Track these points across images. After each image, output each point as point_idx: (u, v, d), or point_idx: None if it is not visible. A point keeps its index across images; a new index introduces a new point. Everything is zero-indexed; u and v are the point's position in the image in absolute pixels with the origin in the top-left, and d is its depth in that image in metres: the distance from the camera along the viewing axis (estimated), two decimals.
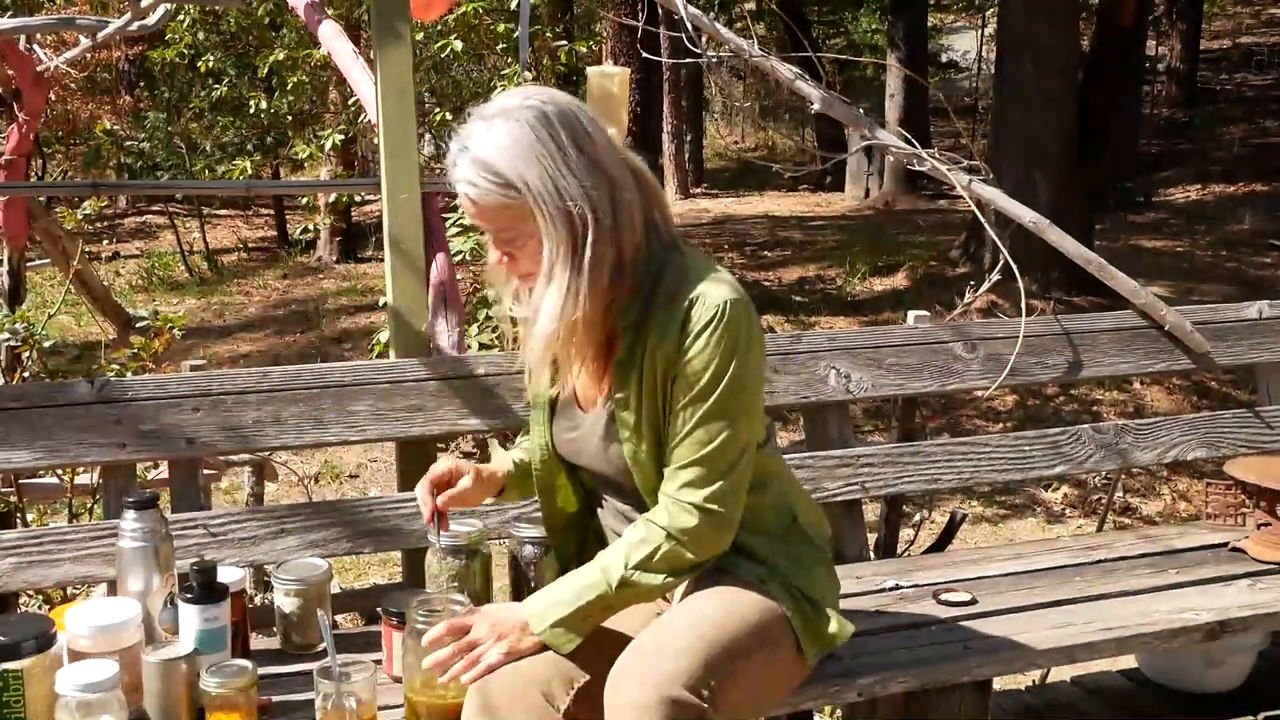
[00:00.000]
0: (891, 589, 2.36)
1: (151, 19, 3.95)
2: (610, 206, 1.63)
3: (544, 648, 1.68)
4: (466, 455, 6.55)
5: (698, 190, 15.33)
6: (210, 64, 9.51)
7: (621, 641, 1.77)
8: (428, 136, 9.14)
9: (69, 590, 2.94)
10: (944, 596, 2.30)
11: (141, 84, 14.14)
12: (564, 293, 1.62)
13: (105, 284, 5.19)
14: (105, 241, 13.44)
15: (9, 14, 8.13)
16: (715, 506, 1.68)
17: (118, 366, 3.29)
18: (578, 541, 1.94)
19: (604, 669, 1.68)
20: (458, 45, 7.10)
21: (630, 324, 1.70)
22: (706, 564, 1.73)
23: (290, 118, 10.28)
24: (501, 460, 1.95)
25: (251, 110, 9.63)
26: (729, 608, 1.71)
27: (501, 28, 7.53)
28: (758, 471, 1.78)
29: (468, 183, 1.62)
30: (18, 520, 3.08)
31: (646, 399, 1.70)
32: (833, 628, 1.82)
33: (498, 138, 1.61)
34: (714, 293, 1.67)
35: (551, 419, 1.86)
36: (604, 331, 1.71)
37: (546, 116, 1.61)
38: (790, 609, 1.76)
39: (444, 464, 1.88)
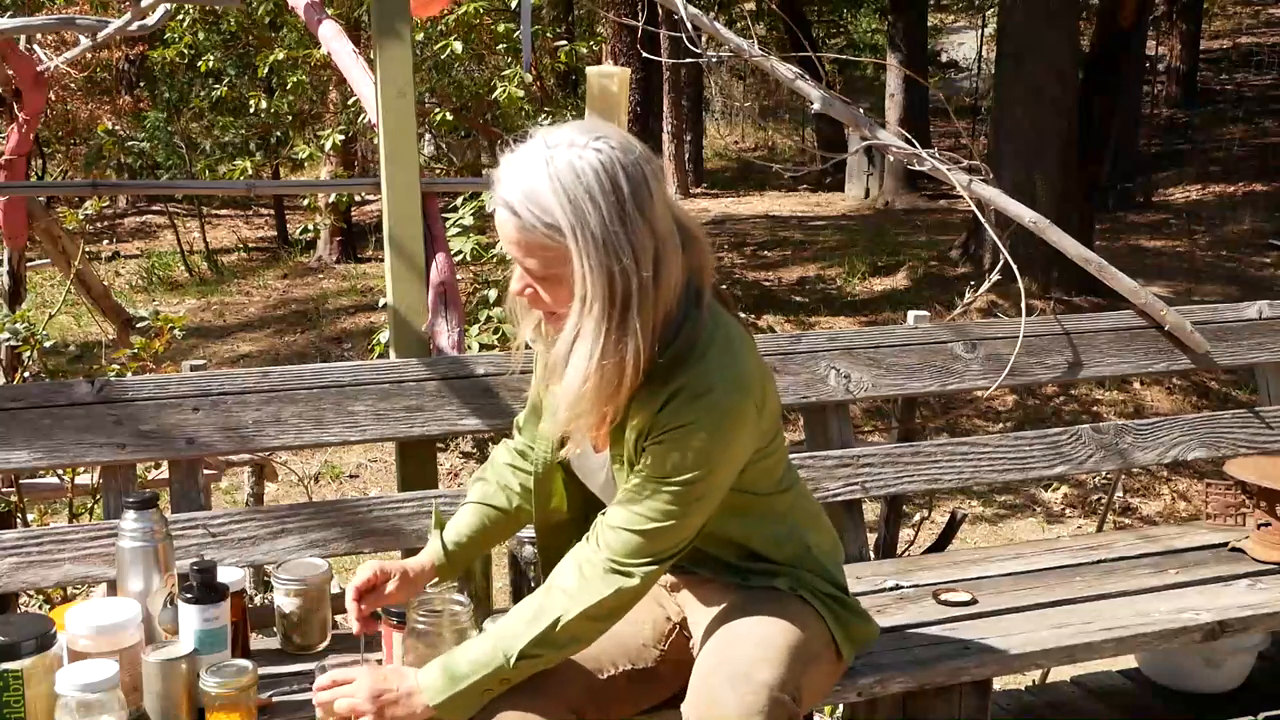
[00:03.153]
0: (891, 589, 2.36)
1: (151, 19, 3.94)
2: (654, 271, 1.52)
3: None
4: (466, 455, 6.55)
5: (698, 190, 15.33)
6: (210, 64, 9.50)
7: (631, 648, 1.77)
8: (428, 136, 9.14)
9: (69, 590, 2.94)
10: (944, 596, 2.30)
11: (141, 84, 14.13)
12: (597, 351, 1.51)
13: (105, 284, 5.19)
14: (105, 241, 13.44)
15: (9, 14, 8.12)
16: (634, 581, 1.61)
17: (118, 366, 3.29)
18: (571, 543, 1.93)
19: (614, 673, 1.71)
20: (458, 46, 7.10)
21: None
22: (604, 630, 1.66)
23: (290, 118, 10.28)
24: (433, 550, 1.89)
25: (251, 110, 9.62)
26: (790, 617, 1.71)
27: (502, 28, 7.53)
28: (775, 509, 1.78)
29: (510, 209, 1.51)
30: (18, 520, 3.08)
31: (628, 460, 1.65)
32: (862, 626, 1.84)
33: (558, 170, 1.49)
34: (711, 375, 1.58)
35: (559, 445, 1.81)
36: (621, 399, 1.60)
37: (615, 164, 1.50)
38: (825, 614, 1.77)
39: (368, 569, 1.82)
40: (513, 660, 1.61)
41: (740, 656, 1.64)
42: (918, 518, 5.06)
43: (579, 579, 1.62)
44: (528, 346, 1.75)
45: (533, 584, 2.05)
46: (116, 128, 12.13)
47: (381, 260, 3.23)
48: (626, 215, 1.49)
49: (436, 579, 1.88)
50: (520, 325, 1.72)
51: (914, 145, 2.75)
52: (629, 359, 1.53)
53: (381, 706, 1.61)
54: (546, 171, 1.49)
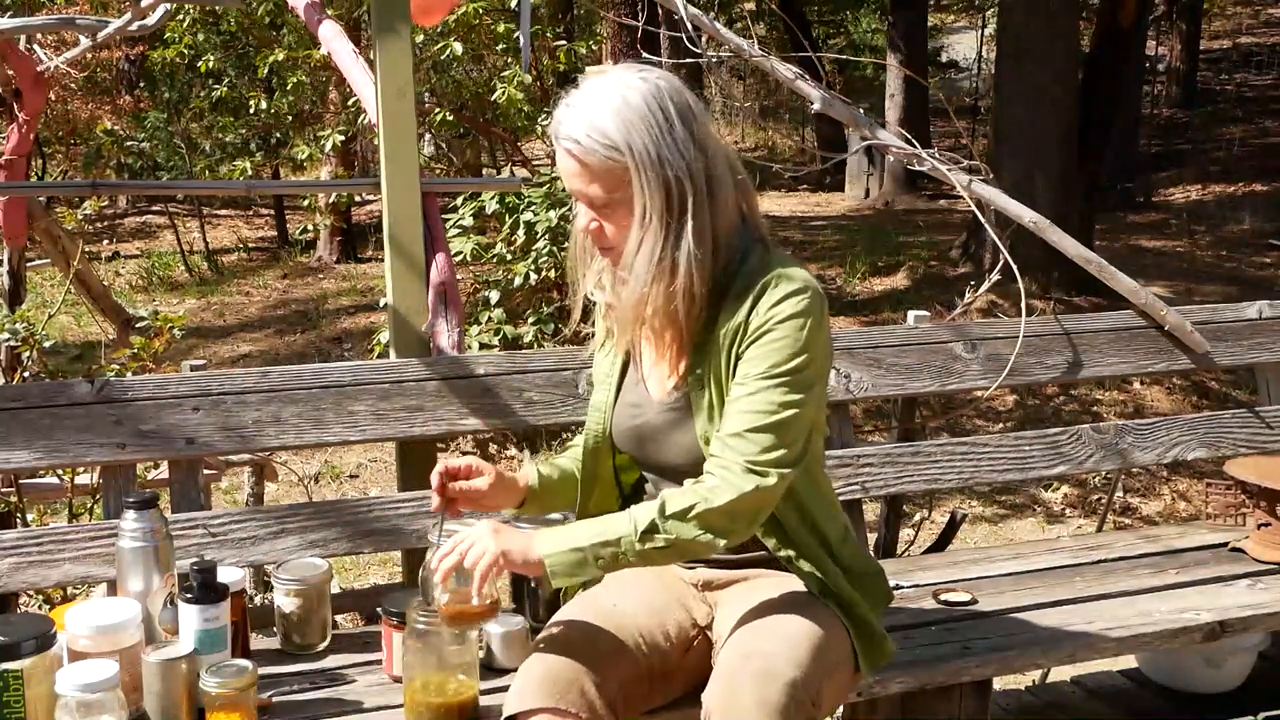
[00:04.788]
0: (892, 589, 2.35)
1: (151, 19, 3.94)
2: (707, 183, 1.68)
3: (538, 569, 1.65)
4: (466, 455, 6.55)
5: None
6: (210, 64, 9.50)
7: (657, 646, 1.78)
8: (428, 136, 9.13)
9: (69, 590, 2.94)
10: (944, 596, 2.30)
11: (141, 84, 14.12)
12: (656, 256, 1.66)
13: (105, 284, 5.19)
14: (105, 241, 13.43)
15: (9, 14, 8.12)
16: (770, 481, 1.66)
17: (118, 366, 3.29)
18: None
19: (641, 669, 1.73)
20: (457, 47, 7.10)
21: (710, 306, 1.73)
22: (731, 541, 1.69)
23: (290, 118, 10.27)
24: (527, 471, 1.92)
25: (251, 110, 9.62)
26: (819, 621, 1.73)
27: (501, 28, 7.53)
28: (822, 485, 1.84)
29: (573, 140, 1.66)
30: (18, 520, 3.08)
31: (716, 379, 1.73)
32: (883, 646, 1.84)
33: (609, 100, 1.66)
34: (791, 278, 1.71)
35: (614, 407, 1.87)
36: (689, 309, 1.72)
37: (659, 89, 1.67)
38: (850, 627, 1.79)
39: (464, 459, 1.84)
40: (639, 531, 1.64)
41: (767, 651, 1.65)
42: (918, 518, 5.05)
43: (719, 480, 1.67)
44: (580, 323, 1.88)
45: (533, 584, 2.05)
46: (116, 128, 12.11)
47: (381, 260, 3.23)
48: (675, 131, 1.66)
49: (521, 503, 1.88)
50: (583, 281, 1.83)
51: (914, 145, 2.75)
52: (689, 260, 1.67)
53: (501, 549, 1.64)
54: (602, 103, 1.66)
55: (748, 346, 1.70)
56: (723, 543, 1.68)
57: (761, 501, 1.68)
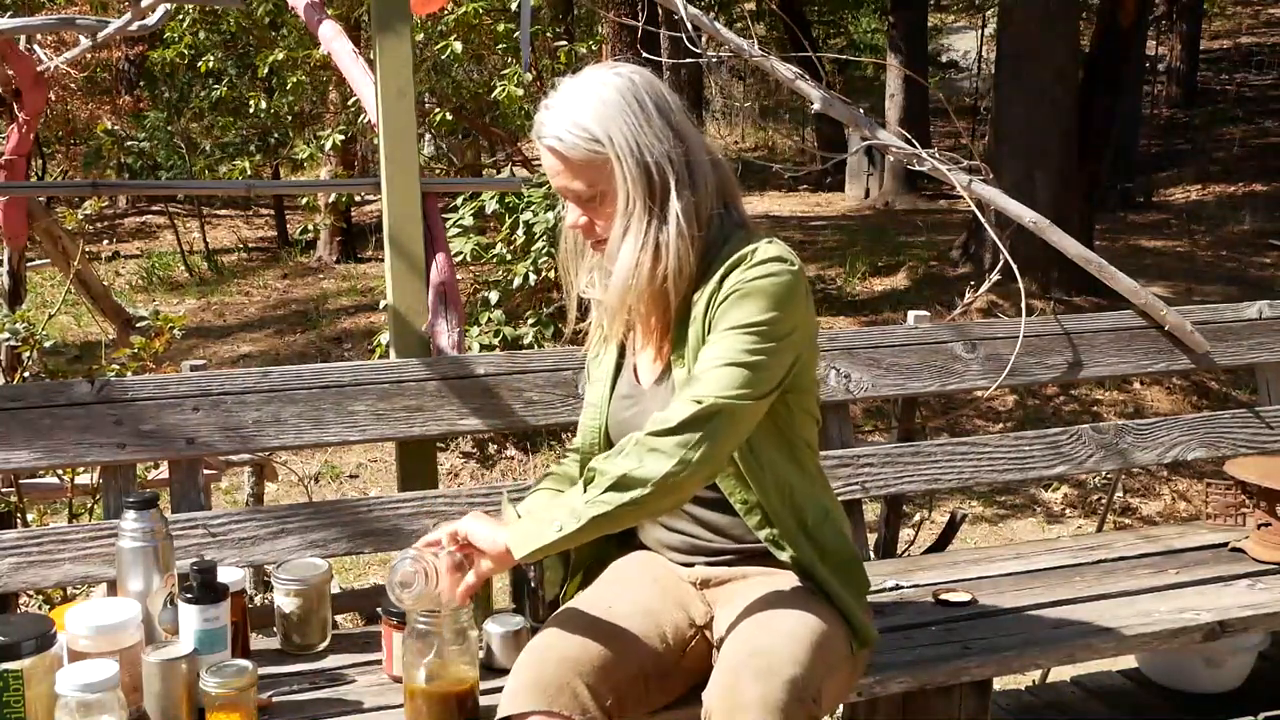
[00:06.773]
0: (891, 589, 2.36)
1: (151, 19, 3.95)
2: (687, 169, 1.73)
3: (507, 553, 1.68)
4: (466, 455, 6.55)
5: None
6: (210, 64, 9.50)
7: (653, 650, 1.77)
8: (428, 136, 9.14)
9: (69, 590, 2.94)
10: (944, 596, 2.30)
11: (141, 84, 14.11)
12: (641, 241, 1.71)
13: (105, 284, 5.18)
14: (105, 241, 13.43)
15: (9, 14, 8.12)
16: (704, 402, 1.63)
17: (118, 366, 3.29)
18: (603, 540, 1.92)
19: (637, 673, 1.71)
20: (458, 46, 7.10)
21: (692, 289, 1.76)
22: (680, 475, 1.63)
23: (290, 118, 10.27)
24: (506, 514, 1.90)
25: (251, 110, 9.62)
26: (819, 616, 1.73)
27: (501, 28, 7.54)
28: (813, 474, 1.85)
29: (555, 137, 1.72)
30: (18, 520, 3.08)
31: (695, 352, 1.74)
32: (867, 632, 1.84)
33: (586, 97, 1.71)
34: (769, 251, 1.74)
35: (610, 401, 1.89)
36: (674, 292, 1.74)
37: (633, 83, 1.73)
38: (849, 620, 1.79)
39: (441, 530, 1.80)
40: (584, 483, 1.66)
41: (768, 648, 1.64)
42: (918, 518, 5.06)
43: (660, 413, 1.68)
44: (578, 320, 1.91)
45: (532, 584, 2.05)
46: (116, 128, 12.11)
47: (381, 260, 3.24)
48: (652, 120, 1.71)
49: None
50: (576, 278, 1.87)
51: (914, 145, 2.74)
52: (672, 243, 1.71)
53: (468, 526, 1.71)
54: (579, 100, 1.72)
55: (719, 307, 1.72)
56: (664, 470, 1.61)
57: (700, 426, 1.63)
